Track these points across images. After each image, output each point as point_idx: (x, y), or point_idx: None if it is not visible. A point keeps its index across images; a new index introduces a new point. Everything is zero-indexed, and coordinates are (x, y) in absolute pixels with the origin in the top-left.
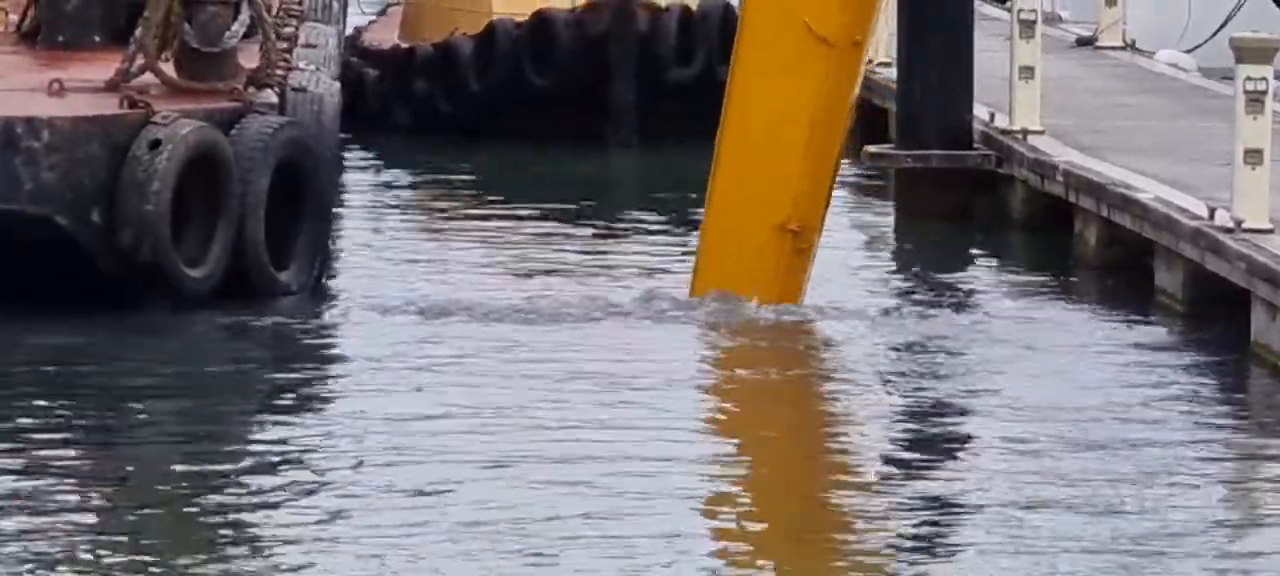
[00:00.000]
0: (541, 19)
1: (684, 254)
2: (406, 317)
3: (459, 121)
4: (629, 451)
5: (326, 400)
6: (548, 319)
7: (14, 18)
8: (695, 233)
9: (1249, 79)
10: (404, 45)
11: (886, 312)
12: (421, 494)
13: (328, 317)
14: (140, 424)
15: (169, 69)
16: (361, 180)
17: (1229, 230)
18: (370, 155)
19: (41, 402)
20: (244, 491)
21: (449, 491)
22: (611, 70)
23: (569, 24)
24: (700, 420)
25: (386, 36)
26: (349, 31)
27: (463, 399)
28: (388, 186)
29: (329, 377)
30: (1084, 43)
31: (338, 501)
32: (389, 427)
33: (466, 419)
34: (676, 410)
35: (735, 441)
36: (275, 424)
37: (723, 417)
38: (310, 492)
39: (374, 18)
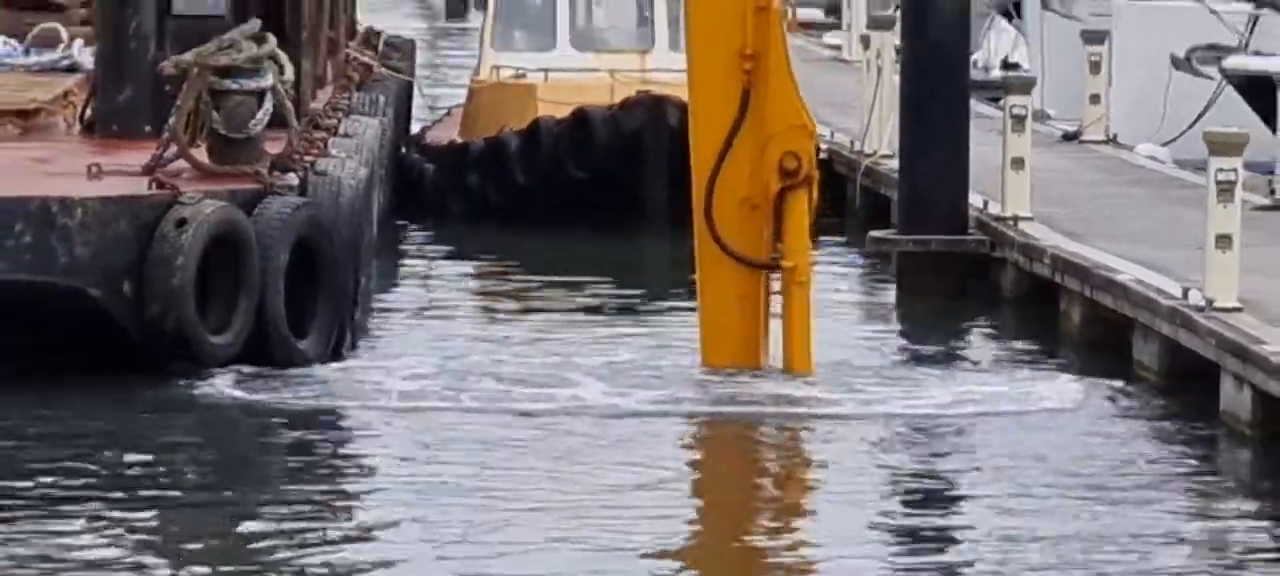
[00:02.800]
0: (581, 115)
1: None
2: (406, 392)
3: (507, 210)
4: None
5: (311, 475)
6: (556, 408)
7: None
8: None
9: (1220, 170)
10: (459, 141)
11: (883, 384)
12: None
13: (331, 392)
14: (156, 491)
15: (201, 154)
16: (412, 263)
17: (1201, 309)
18: (425, 241)
19: (57, 471)
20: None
21: None
22: (645, 162)
23: (606, 120)
24: (691, 503)
25: (447, 134)
26: (415, 129)
27: (443, 491)
28: (435, 269)
29: (320, 450)
30: (1070, 137)
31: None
32: (363, 509)
33: (448, 515)
34: (668, 502)
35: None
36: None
37: (715, 495)
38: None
39: (440, 116)
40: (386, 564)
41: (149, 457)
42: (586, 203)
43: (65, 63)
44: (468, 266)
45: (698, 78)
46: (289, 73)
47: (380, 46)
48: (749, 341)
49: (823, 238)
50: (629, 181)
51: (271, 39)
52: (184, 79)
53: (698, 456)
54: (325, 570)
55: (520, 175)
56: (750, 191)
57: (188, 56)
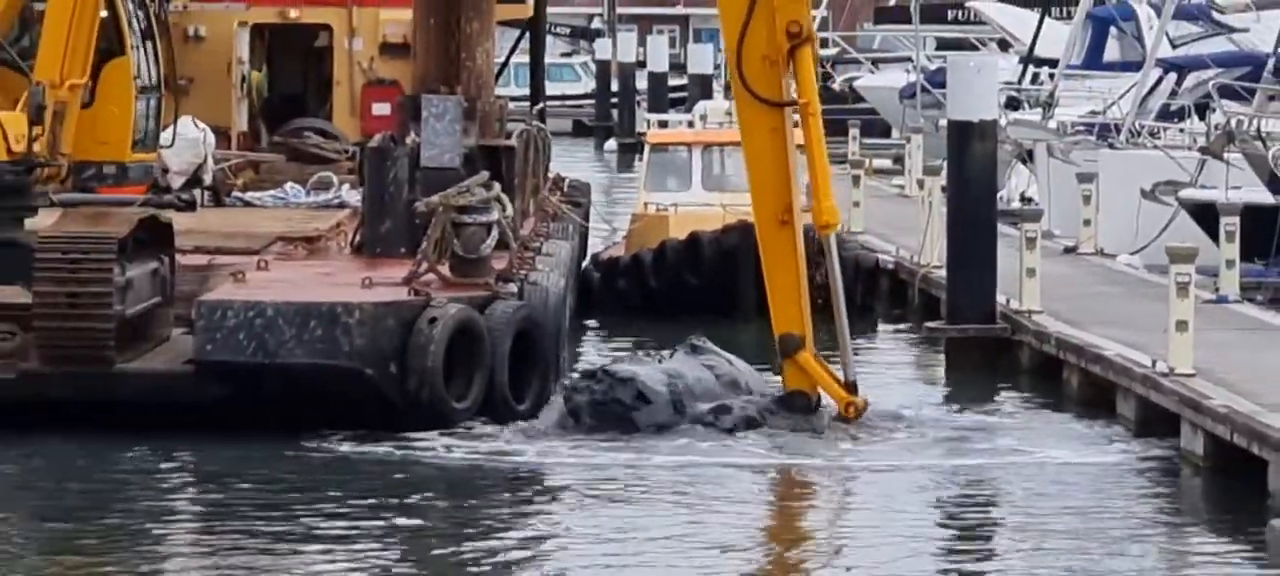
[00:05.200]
0: (694, 237)
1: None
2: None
3: (645, 307)
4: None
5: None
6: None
7: None
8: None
9: (1178, 273)
10: (615, 257)
11: (930, 436)
12: None
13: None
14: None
15: (445, 270)
16: (588, 348)
17: (1166, 375)
18: (595, 331)
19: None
20: None
21: None
22: (738, 271)
23: (711, 241)
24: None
25: (616, 253)
26: (598, 247)
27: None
28: (603, 353)
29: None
30: (1069, 251)
31: None
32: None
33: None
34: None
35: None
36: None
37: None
38: None
39: (620, 239)
40: None
41: (394, 500)
42: (699, 300)
43: (336, 201)
44: (623, 347)
45: None
46: (509, 210)
47: (566, 188)
48: (781, 171)
49: (890, 327)
50: (728, 285)
51: (496, 185)
52: (432, 215)
53: (775, 500)
54: None
55: (652, 281)
56: (769, 50)
57: (435, 199)
